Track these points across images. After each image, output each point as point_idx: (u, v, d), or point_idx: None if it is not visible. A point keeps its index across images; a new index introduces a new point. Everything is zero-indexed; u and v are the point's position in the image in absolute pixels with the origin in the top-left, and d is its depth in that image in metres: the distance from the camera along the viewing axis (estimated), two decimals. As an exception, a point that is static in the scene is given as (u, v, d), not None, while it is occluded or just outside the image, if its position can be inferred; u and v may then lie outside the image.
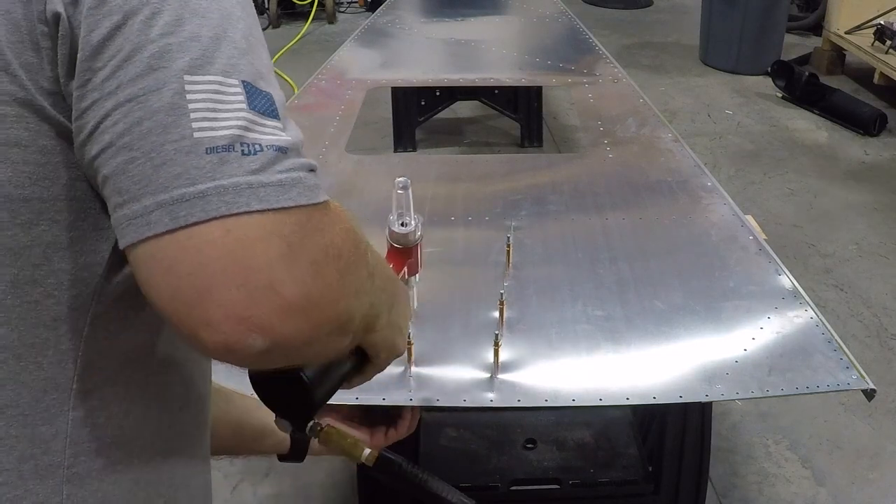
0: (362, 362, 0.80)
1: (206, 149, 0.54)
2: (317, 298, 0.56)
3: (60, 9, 0.56)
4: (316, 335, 0.58)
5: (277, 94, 0.60)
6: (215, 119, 0.55)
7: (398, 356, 0.81)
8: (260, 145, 0.56)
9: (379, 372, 0.83)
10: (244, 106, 0.57)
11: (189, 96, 0.55)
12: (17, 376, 0.61)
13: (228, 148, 0.55)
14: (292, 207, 0.56)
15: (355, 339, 0.67)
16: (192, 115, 0.55)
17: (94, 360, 0.64)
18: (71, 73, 0.57)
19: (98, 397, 0.65)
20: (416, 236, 1.02)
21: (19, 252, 0.59)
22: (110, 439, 0.66)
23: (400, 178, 0.98)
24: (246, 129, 0.56)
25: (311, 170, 0.59)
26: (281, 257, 0.54)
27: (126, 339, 0.66)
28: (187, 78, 0.55)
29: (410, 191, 0.99)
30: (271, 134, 0.57)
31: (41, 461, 0.63)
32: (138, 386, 0.69)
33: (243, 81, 0.57)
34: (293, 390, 0.78)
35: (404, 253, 1.01)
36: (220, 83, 0.56)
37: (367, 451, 0.87)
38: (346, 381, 0.83)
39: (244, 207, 0.54)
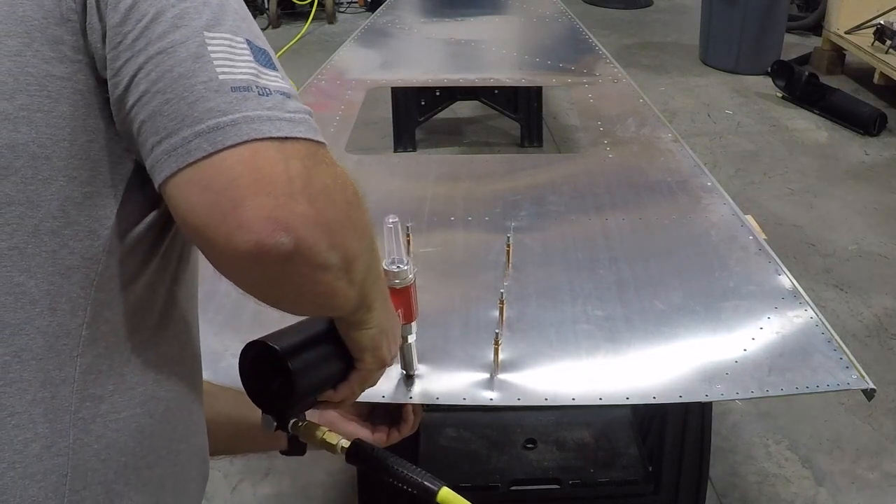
0: (348, 368, 0.85)
1: (231, 87, 0.64)
2: (329, 215, 0.66)
3: None
4: (329, 258, 0.66)
5: (272, 52, 0.71)
6: (233, 65, 0.66)
7: (383, 365, 0.88)
8: (269, 89, 0.66)
9: (364, 382, 0.89)
10: (251, 58, 0.67)
11: (210, 47, 0.65)
12: (32, 321, 0.66)
13: (247, 88, 0.65)
14: (302, 139, 0.66)
15: (358, 299, 0.75)
16: (216, 62, 0.65)
17: (101, 309, 0.69)
18: (101, 39, 0.66)
19: (104, 345, 0.70)
20: (410, 276, 1.04)
21: (40, 205, 0.66)
22: (113, 386, 0.71)
23: (390, 216, 1.01)
24: (256, 76, 0.66)
25: (310, 115, 0.69)
26: (299, 175, 0.64)
27: (132, 292, 0.72)
28: (206, 34, 0.65)
29: (399, 226, 1.02)
30: (275, 81, 0.68)
31: (50, 405, 0.67)
32: (140, 338, 0.73)
33: (247, 39, 0.68)
34: (278, 381, 0.81)
35: (398, 294, 1.04)
36: (231, 39, 0.67)
37: (342, 443, 0.91)
38: (332, 387, 0.87)
39: (267, 134, 0.64)
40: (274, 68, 0.69)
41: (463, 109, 4.28)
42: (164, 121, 0.64)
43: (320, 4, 6.13)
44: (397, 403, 1.24)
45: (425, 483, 0.86)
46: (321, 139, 0.68)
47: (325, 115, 2.32)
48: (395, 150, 3.78)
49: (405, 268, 1.03)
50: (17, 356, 0.65)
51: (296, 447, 1.21)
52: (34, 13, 0.65)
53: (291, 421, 0.88)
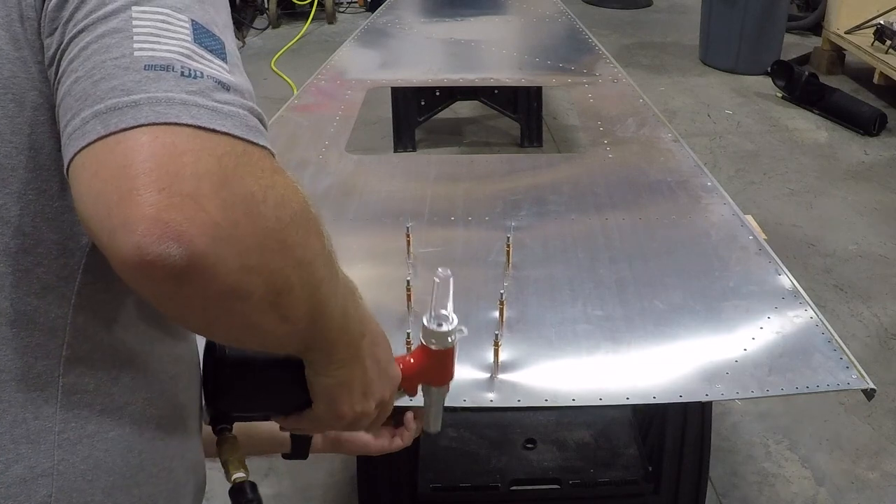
0: (305, 403, 0.77)
1: (145, 65, 0.56)
2: (246, 230, 0.54)
3: None
4: (244, 283, 0.55)
5: (230, 46, 0.62)
6: (158, 42, 0.57)
7: (340, 419, 0.76)
8: (201, 73, 0.57)
9: (319, 425, 0.79)
10: (189, 38, 0.58)
11: (135, 23, 0.57)
12: (10, 342, 0.63)
13: (167, 68, 0.56)
14: (226, 134, 0.55)
15: (301, 342, 0.66)
16: (136, 38, 0.56)
17: (83, 327, 0.66)
18: (40, 30, 0.60)
19: (87, 364, 0.67)
20: (451, 339, 0.86)
21: (10, 221, 0.62)
22: (100, 406, 0.68)
23: (441, 269, 0.84)
24: (188, 56, 0.57)
25: (259, 118, 0.59)
26: (210, 174, 0.53)
27: (114, 309, 0.68)
28: (135, 8, 0.58)
29: (451, 281, 0.84)
30: (216, 69, 0.58)
31: (32, 426, 0.64)
32: (127, 355, 0.70)
33: (193, 20, 0.59)
34: (219, 384, 0.77)
35: (434, 355, 0.87)
36: (168, 15, 0.58)
37: (238, 475, 0.82)
38: (283, 413, 0.79)
39: (174, 118, 0.54)
40: (221, 58, 0.59)
41: (463, 109, 4.28)
42: (71, 101, 0.56)
43: (320, 4, 6.13)
44: (400, 408, 1.23)
45: None
46: (260, 142, 0.58)
47: (325, 115, 2.32)
48: (395, 150, 3.78)
49: (448, 329, 0.84)
50: None
51: (298, 451, 1.20)
52: None
53: (220, 426, 0.82)
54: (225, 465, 0.82)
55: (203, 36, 0.59)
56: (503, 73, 3.00)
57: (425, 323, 0.85)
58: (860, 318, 2.74)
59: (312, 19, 6.09)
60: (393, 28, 3.37)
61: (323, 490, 2.08)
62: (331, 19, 6.23)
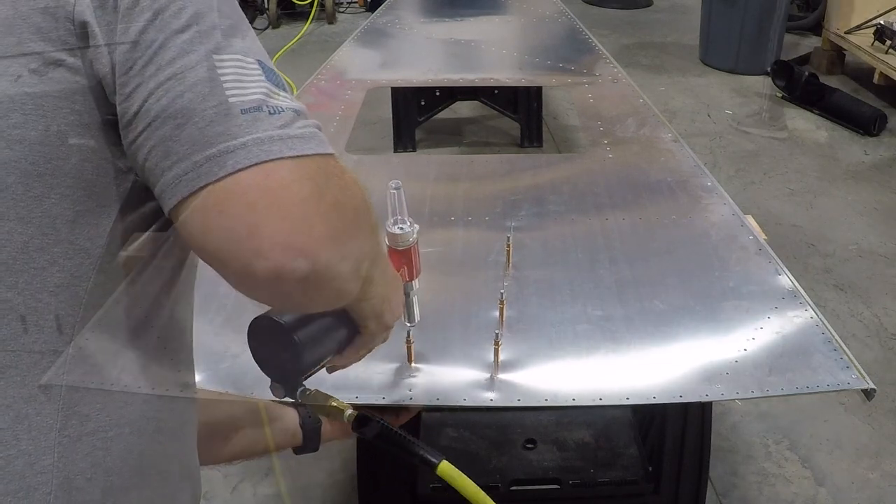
0: (353, 334, 0.87)
1: (241, 110, 0.65)
2: (341, 229, 0.67)
3: (89, 18, 0.65)
4: (342, 268, 0.67)
5: (279, 74, 0.72)
6: (243, 87, 0.66)
7: (386, 328, 0.89)
8: (281, 107, 0.67)
9: (368, 347, 0.90)
10: (263, 78, 0.68)
11: (220, 70, 0.66)
12: (18, 338, 0.66)
13: (258, 109, 0.65)
14: (313, 155, 0.67)
15: (362, 286, 0.74)
16: (225, 85, 0.65)
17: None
18: (110, 64, 0.66)
19: (91, 363, 0.69)
20: (412, 238, 1.06)
21: (30, 221, 0.66)
22: (100, 404, 0.71)
23: (392, 181, 1.03)
24: (267, 95, 0.67)
25: (320, 128, 0.70)
26: (311, 195, 0.65)
27: (122, 311, 0.72)
28: (215, 56, 0.66)
29: (403, 191, 1.04)
30: (286, 100, 0.68)
31: (35, 422, 0.67)
32: (131, 356, 0.73)
33: (258, 60, 0.69)
34: (286, 353, 0.83)
35: (402, 254, 1.06)
36: (241, 60, 0.67)
37: (350, 411, 0.91)
38: (338, 352, 0.88)
39: (278, 154, 0.64)
40: (283, 88, 0.69)
41: (463, 109, 4.28)
42: (175, 146, 0.64)
43: (320, 4, 6.13)
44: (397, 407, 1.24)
45: (426, 456, 0.88)
46: (330, 150, 0.69)
47: (325, 115, 2.32)
48: (395, 150, 3.78)
49: (408, 230, 1.06)
50: (2, 373, 0.65)
51: (308, 443, 1.25)
52: (32, 35, 0.65)
53: (299, 389, 0.89)
54: (331, 413, 0.91)
55: (269, 73, 0.69)
56: (503, 73, 2.99)
57: (389, 229, 1.04)
58: (860, 318, 2.74)
59: (312, 19, 6.10)
60: (393, 28, 3.37)
61: (323, 490, 2.08)
62: (331, 19, 6.23)
